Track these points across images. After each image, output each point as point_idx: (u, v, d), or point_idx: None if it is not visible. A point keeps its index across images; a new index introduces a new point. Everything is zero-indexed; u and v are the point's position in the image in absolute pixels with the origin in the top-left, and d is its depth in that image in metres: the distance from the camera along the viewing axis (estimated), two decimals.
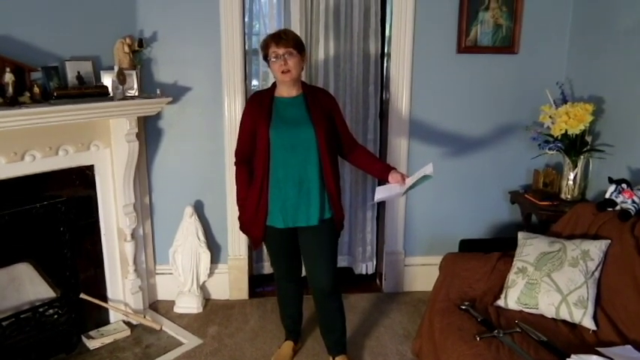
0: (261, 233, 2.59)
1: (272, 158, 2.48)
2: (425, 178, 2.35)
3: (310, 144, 2.45)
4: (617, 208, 2.57)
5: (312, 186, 2.49)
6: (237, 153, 2.65)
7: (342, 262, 3.85)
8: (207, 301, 3.53)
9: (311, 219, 2.51)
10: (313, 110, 2.48)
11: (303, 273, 2.75)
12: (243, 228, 2.69)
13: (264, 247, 3.71)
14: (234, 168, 2.67)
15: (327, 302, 2.71)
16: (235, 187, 2.69)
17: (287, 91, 2.51)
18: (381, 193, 2.54)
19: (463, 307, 2.50)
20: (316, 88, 2.67)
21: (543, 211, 3.09)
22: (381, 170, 2.58)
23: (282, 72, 2.41)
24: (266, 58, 2.47)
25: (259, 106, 2.51)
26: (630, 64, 2.86)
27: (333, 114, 2.55)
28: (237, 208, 2.69)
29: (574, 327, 2.35)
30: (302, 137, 2.45)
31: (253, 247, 2.89)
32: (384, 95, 3.57)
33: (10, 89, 2.38)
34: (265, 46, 2.45)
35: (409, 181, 2.41)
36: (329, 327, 2.79)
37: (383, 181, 2.57)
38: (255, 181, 2.54)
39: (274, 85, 2.57)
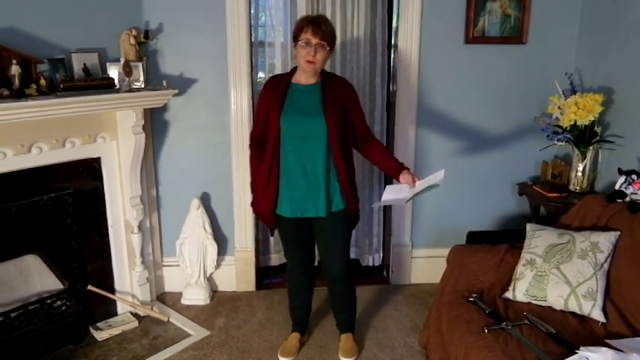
0: (272, 220, 2.59)
1: (282, 146, 2.47)
2: (433, 186, 2.33)
3: (320, 135, 2.43)
4: (627, 199, 2.55)
5: (321, 177, 2.47)
6: (252, 136, 2.65)
7: None
8: (214, 292, 3.54)
9: (319, 210, 2.51)
10: (328, 100, 2.44)
11: (316, 262, 2.76)
12: (255, 212, 2.71)
13: (271, 241, 3.77)
14: (249, 151, 2.66)
15: (339, 285, 2.77)
16: (249, 170, 2.68)
17: (305, 78, 2.47)
18: (389, 193, 2.49)
19: (471, 299, 2.49)
20: (335, 77, 2.60)
21: (552, 202, 3.06)
22: (393, 168, 2.53)
23: (308, 61, 2.37)
24: (296, 39, 2.40)
25: (274, 92, 2.49)
26: None
27: (349, 104, 2.49)
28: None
29: (583, 319, 2.34)
30: (312, 127, 2.42)
31: (270, 234, 2.87)
32: (390, 87, 3.54)
33: (17, 81, 2.38)
34: (300, 28, 2.37)
35: (419, 185, 2.37)
36: (339, 305, 2.86)
37: (395, 179, 2.53)
38: (263, 166, 2.53)
39: (294, 70, 2.54)
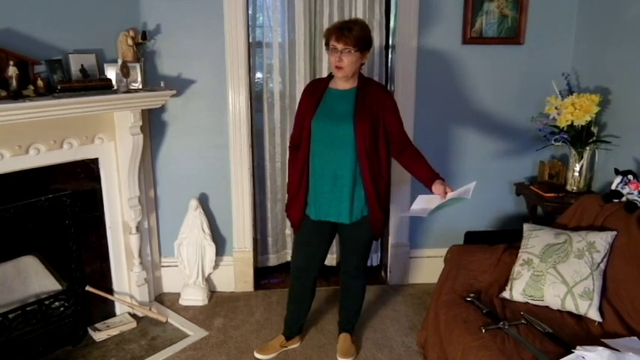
0: (298, 219, 2.64)
1: (312, 150, 2.51)
2: (460, 199, 2.30)
3: (348, 140, 2.43)
4: (624, 199, 2.56)
5: (346, 183, 2.48)
6: (291, 137, 2.69)
7: None
8: (212, 293, 3.54)
9: (342, 216, 2.53)
10: (360, 106, 2.44)
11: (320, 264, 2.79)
12: (286, 213, 2.76)
13: (270, 242, 3.77)
14: (288, 152, 2.73)
15: (351, 282, 2.84)
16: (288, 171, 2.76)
17: (341, 83, 2.50)
18: (419, 202, 2.41)
19: (468, 299, 2.50)
20: (372, 83, 2.59)
21: (549, 202, 3.07)
22: (426, 178, 2.43)
23: (336, 67, 2.40)
24: (327, 45, 2.44)
25: (311, 95, 2.53)
26: (637, 55, 2.83)
27: (383, 111, 2.46)
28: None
29: (579, 319, 2.35)
30: (340, 133, 2.43)
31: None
32: (388, 87, 3.54)
33: (14, 82, 2.38)
34: (328, 35, 2.41)
35: (450, 196, 2.31)
36: (346, 302, 2.91)
37: (427, 189, 2.45)
38: (296, 168, 2.59)
39: (332, 74, 2.55)
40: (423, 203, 2.40)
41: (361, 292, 2.88)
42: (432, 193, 2.39)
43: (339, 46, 2.36)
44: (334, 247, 3.67)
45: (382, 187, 2.55)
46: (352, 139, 2.42)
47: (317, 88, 2.56)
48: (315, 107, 2.50)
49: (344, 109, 2.46)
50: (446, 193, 2.32)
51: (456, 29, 3.32)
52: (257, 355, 2.85)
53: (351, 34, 2.35)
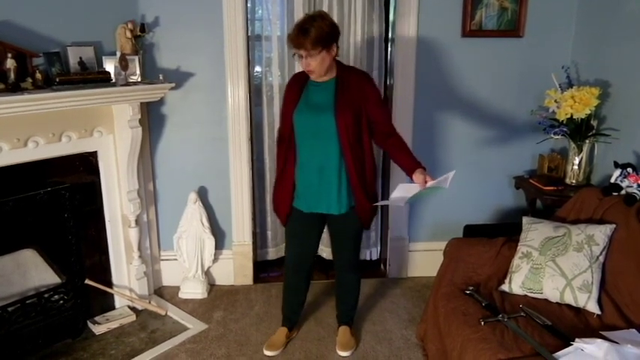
0: (286, 213, 2.65)
1: (297, 143, 2.51)
2: (438, 189, 2.31)
3: (331, 131, 2.42)
4: (623, 192, 2.55)
5: (332, 174, 2.48)
6: (278, 131, 2.69)
7: None
8: (211, 286, 3.55)
9: (331, 207, 2.53)
10: (340, 96, 2.43)
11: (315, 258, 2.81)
12: (273, 206, 2.75)
13: (269, 235, 3.78)
14: (276, 146, 2.73)
15: (345, 275, 2.84)
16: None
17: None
18: (399, 191, 2.41)
19: (467, 292, 2.51)
20: (353, 72, 2.55)
21: (548, 196, 3.07)
22: (408, 167, 2.42)
23: (307, 71, 2.40)
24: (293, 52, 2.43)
25: (294, 88, 2.53)
26: (637, 48, 2.82)
27: (365, 100, 2.44)
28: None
29: (578, 311, 2.36)
30: (322, 124, 2.43)
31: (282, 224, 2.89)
32: (388, 80, 3.54)
33: (12, 75, 2.37)
34: (288, 42, 2.37)
35: (429, 185, 2.31)
36: (341, 296, 2.93)
37: (409, 177, 2.45)
38: (280, 161, 2.61)
39: None
40: (403, 192, 2.41)
41: (356, 286, 2.89)
42: (412, 181, 2.40)
43: (302, 52, 2.33)
44: None
45: (369, 176, 2.55)
46: (335, 130, 2.42)
47: (299, 80, 2.55)
48: (296, 100, 2.50)
49: (324, 101, 2.45)
50: (426, 182, 2.32)
51: (455, 22, 3.31)
52: (267, 353, 2.82)
53: (308, 36, 2.28)
